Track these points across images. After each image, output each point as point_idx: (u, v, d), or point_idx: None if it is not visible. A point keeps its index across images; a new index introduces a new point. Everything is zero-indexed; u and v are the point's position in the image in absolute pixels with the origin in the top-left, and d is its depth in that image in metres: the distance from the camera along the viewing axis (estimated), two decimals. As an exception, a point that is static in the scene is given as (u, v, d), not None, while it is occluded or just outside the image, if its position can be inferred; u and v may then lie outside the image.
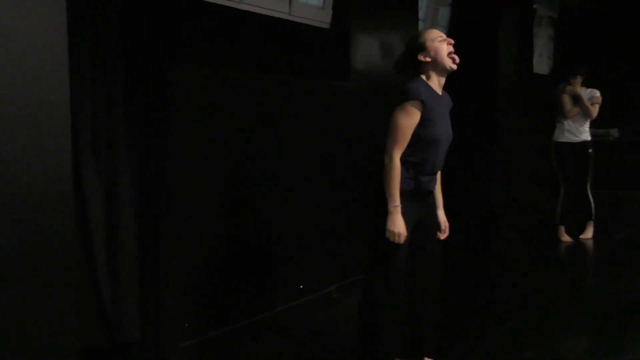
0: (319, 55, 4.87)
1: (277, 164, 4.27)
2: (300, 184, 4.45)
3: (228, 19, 4.04)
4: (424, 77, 3.04)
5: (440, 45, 3.00)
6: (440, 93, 3.08)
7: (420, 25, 6.13)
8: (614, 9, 10.16)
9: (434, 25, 6.54)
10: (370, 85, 5.02)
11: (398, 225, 2.90)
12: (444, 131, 3.06)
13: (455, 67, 3.04)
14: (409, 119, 2.92)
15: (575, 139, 6.38)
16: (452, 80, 6.88)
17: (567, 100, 6.34)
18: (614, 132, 10.09)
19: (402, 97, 2.94)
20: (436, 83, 3.05)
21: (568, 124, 6.37)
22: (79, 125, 2.91)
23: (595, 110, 6.31)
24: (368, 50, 5.04)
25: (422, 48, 3.02)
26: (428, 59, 3.01)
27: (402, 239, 2.93)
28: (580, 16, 9.88)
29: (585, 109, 6.29)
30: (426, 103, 2.93)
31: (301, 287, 4.47)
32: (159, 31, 3.19)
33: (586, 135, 6.41)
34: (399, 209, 2.91)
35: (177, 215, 3.28)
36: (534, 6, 8.32)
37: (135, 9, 3.09)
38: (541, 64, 9.17)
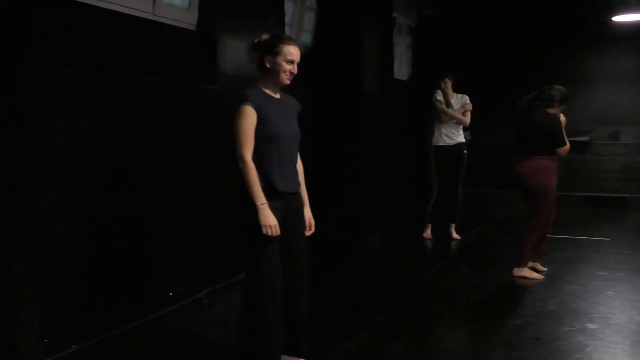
0: (184, 57, 4.78)
1: (144, 168, 4.13)
2: (167, 189, 4.34)
3: (88, 17, 3.85)
4: (260, 83, 3.26)
5: (286, 66, 3.20)
6: (277, 96, 3.29)
7: (287, 29, 6.21)
8: (466, 19, 10.91)
9: (300, 30, 6.65)
10: (238, 88, 4.99)
11: (269, 218, 3.06)
12: (284, 128, 3.22)
13: (287, 83, 3.26)
14: (247, 121, 3.12)
15: (452, 142, 6.83)
16: (319, 84, 7.00)
17: (440, 107, 6.75)
18: (467, 135, 10.81)
19: (236, 103, 3.16)
20: (271, 88, 3.26)
21: (445, 128, 6.80)
22: None
23: (468, 118, 6.78)
24: (235, 53, 5.02)
25: (273, 54, 3.20)
26: (268, 65, 3.22)
27: (277, 230, 3.07)
28: (435, 26, 10.49)
29: (458, 120, 6.74)
30: (258, 104, 3.14)
31: (171, 294, 4.36)
32: (11, 27, 2.97)
33: (461, 138, 6.88)
34: (267, 205, 3.07)
35: (32, 222, 3.07)
36: (394, 15, 8.72)
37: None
38: (401, 70, 9.62)
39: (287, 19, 6.27)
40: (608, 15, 9.72)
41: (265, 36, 3.27)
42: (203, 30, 4.83)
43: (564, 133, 5.20)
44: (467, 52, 11.00)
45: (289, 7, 6.38)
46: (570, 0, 9.85)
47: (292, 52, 3.21)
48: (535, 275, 5.26)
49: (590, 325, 4.14)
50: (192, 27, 4.81)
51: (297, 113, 3.37)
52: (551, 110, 5.25)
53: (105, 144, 3.82)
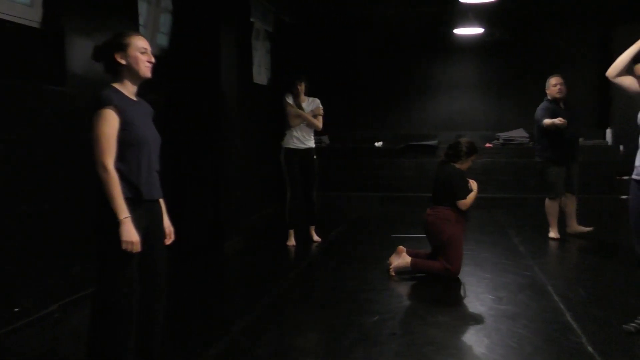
0: (27, 57, 4.46)
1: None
2: (10, 195, 4.02)
3: None
4: (116, 84, 3.07)
5: (142, 57, 3.06)
6: (135, 99, 3.12)
7: (141, 31, 6.01)
8: (322, 25, 11.21)
9: (155, 32, 6.47)
10: (91, 90, 4.75)
11: (132, 234, 2.90)
12: (148, 132, 3.11)
13: (150, 75, 3.11)
14: (108, 126, 2.92)
15: (302, 146, 6.86)
16: (175, 87, 6.86)
17: (292, 110, 6.80)
18: (325, 139, 11.12)
19: (95, 106, 2.94)
20: (129, 89, 3.09)
21: (296, 131, 6.84)
22: None
23: (320, 122, 6.88)
24: (86, 54, 4.76)
25: (123, 49, 3.04)
26: (123, 62, 3.04)
27: (138, 247, 2.93)
28: (293, 31, 10.67)
29: (310, 124, 6.82)
30: (120, 107, 2.96)
31: (16, 309, 4.04)
32: None
33: (311, 143, 6.95)
34: (129, 219, 2.90)
35: None
36: (252, 20, 8.75)
37: None
38: (260, 74, 9.68)
39: (141, 20, 6.07)
40: (450, 27, 10.45)
41: (101, 43, 3.11)
42: (48, 28, 4.54)
43: (468, 188, 5.41)
44: (325, 57, 11.30)
45: (143, 8, 6.18)
46: (417, 13, 10.46)
47: (141, 41, 3.08)
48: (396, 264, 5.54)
49: (441, 318, 4.41)
50: (35, 25, 4.51)
51: (152, 117, 3.23)
52: (460, 164, 5.50)
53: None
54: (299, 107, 6.84)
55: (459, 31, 10.43)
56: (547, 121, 6.66)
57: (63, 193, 4.49)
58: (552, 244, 6.91)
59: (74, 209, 4.53)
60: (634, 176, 3.98)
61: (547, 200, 7.01)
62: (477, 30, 10.31)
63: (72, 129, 4.58)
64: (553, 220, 7.01)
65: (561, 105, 6.92)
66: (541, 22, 10.78)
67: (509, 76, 11.09)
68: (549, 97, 6.95)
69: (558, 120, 6.55)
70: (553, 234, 7.03)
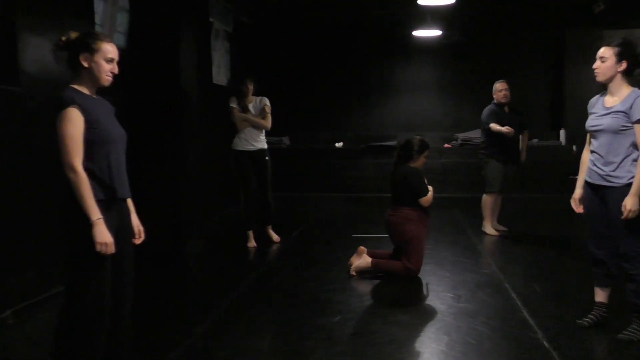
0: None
1: None
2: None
3: None
4: (74, 85, 3.02)
5: (106, 66, 3.02)
6: (95, 97, 3.09)
7: (98, 30, 5.90)
8: (281, 26, 11.20)
9: (112, 31, 6.36)
10: (46, 90, 4.65)
11: (106, 235, 2.88)
12: (114, 130, 3.08)
13: (107, 85, 3.08)
14: (73, 126, 2.87)
15: (252, 148, 6.76)
16: (134, 87, 6.76)
17: (237, 114, 6.69)
18: (286, 140, 11.12)
19: (58, 106, 2.89)
20: (88, 89, 3.05)
21: (245, 133, 6.74)
22: None
23: (267, 121, 6.77)
24: (41, 53, 4.66)
25: (90, 52, 2.99)
26: (86, 65, 3.00)
27: (112, 248, 2.90)
28: (251, 31, 10.63)
29: (258, 125, 6.72)
30: (84, 106, 2.92)
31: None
32: None
33: (262, 144, 6.83)
34: (102, 220, 2.87)
35: None
36: (210, 20, 8.69)
37: None
38: (220, 75, 9.61)
39: (97, 19, 5.97)
40: (409, 29, 10.57)
41: (74, 34, 3.03)
42: (1, 27, 4.42)
43: (426, 185, 5.45)
44: (284, 57, 11.30)
45: (99, 6, 6.08)
46: (377, 15, 10.54)
47: (111, 49, 3.04)
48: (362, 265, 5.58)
49: (402, 317, 4.46)
50: (-13, 22, 4.39)
51: (114, 114, 3.19)
52: (413, 162, 5.54)
53: None
54: (245, 109, 6.70)
55: (418, 33, 10.56)
56: (494, 127, 6.95)
57: (16, 195, 4.37)
58: (508, 242, 7.05)
59: (27, 212, 4.42)
60: (586, 178, 4.10)
61: (484, 196, 7.24)
62: (435, 33, 10.45)
63: (25, 129, 4.47)
64: (488, 214, 7.24)
65: (505, 109, 7.23)
66: (497, 26, 11.00)
67: (466, 78, 11.28)
68: (495, 101, 7.23)
69: (505, 129, 6.86)
70: (488, 229, 7.25)
